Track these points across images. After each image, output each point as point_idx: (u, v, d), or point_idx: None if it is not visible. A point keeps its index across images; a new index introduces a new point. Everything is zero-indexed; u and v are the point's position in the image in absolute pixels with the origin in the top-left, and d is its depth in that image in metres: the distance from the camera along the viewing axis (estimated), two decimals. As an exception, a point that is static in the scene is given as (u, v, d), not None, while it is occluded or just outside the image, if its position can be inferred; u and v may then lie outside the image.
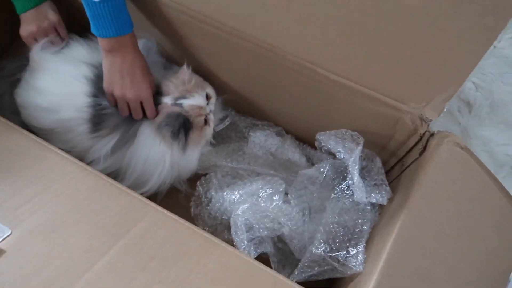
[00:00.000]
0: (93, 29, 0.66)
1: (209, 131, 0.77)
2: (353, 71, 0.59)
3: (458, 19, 0.47)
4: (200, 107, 0.73)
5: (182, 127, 0.72)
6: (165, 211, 0.53)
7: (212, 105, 0.76)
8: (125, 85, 0.70)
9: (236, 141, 0.86)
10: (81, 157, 0.72)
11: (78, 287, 0.42)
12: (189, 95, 0.71)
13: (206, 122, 0.75)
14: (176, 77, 0.72)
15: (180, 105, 0.72)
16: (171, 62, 0.85)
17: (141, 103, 0.72)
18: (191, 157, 0.78)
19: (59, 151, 0.55)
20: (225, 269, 0.48)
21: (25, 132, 0.57)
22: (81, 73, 0.74)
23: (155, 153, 0.74)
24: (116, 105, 0.73)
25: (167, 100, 0.72)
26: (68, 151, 0.70)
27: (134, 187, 0.73)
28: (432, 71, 0.53)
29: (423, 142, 0.60)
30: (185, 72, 0.72)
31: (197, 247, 0.49)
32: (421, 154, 0.60)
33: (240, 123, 0.87)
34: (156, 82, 0.74)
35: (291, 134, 0.86)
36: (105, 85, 0.71)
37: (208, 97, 0.74)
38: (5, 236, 0.43)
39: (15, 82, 0.80)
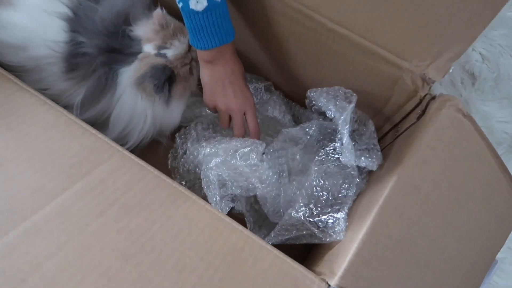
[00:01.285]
0: (192, 41, 0.59)
1: (193, 80, 0.72)
2: (352, 19, 0.53)
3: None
4: (184, 56, 0.67)
5: (167, 81, 0.66)
6: (132, 156, 0.48)
7: (194, 51, 0.69)
8: (229, 95, 0.64)
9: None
10: (56, 101, 0.67)
11: (20, 230, 0.37)
12: (171, 44, 0.65)
13: (190, 71, 0.70)
14: (153, 21, 0.65)
15: (164, 55, 0.66)
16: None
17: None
18: (175, 111, 0.72)
19: (18, 81, 0.49)
20: (192, 224, 0.44)
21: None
22: (56, 8, 0.66)
23: (137, 108, 0.68)
24: (228, 123, 0.69)
25: (149, 48, 0.65)
26: (43, 92, 0.64)
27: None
28: (442, 23, 0.47)
29: (423, 105, 0.55)
30: (161, 15, 0.65)
31: (164, 197, 0.45)
32: (419, 118, 0.55)
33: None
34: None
35: (281, 91, 0.80)
36: (206, 98, 0.66)
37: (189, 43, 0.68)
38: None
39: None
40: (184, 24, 0.61)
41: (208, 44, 0.59)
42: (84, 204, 0.41)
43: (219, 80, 0.64)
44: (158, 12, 0.65)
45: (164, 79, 0.65)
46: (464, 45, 0.48)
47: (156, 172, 0.47)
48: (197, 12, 0.55)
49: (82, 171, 0.44)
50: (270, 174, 0.60)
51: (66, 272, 0.35)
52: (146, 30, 0.66)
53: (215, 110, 0.68)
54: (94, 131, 0.49)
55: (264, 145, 0.65)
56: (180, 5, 0.56)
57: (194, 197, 0.47)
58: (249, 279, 0.41)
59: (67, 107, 0.67)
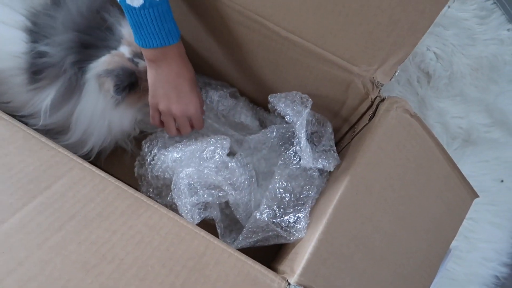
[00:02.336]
0: (135, 39, 0.59)
1: None
2: (305, 28, 0.55)
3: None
4: None
5: (128, 86, 0.66)
6: (93, 168, 0.48)
7: None
8: (171, 99, 0.64)
9: (187, 100, 0.81)
10: (18, 111, 0.66)
11: (-20, 247, 0.38)
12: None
13: None
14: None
15: (137, 64, 0.66)
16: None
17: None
18: (122, 117, 0.72)
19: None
20: (153, 231, 0.45)
21: None
22: (14, 20, 0.66)
23: (98, 105, 0.68)
24: (159, 121, 0.68)
25: (125, 50, 0.65)
26: (5, 105, 0.63)
27: (75, 148, 0.68)
28: (385, 31, 0.50)
29: (374, 107, 0.58)
30: None
31: (125, 207, 0.46)
32: (370, 119, 0.57)
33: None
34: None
35: (246, 96, 0.82)
36: (150, 99, 0.66)
37: None
38: None
39: None
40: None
41: (149, 43, 0.58)
42: (44, 218, 0.42)
43: (162, 82, 0.64)
44: None
45: (127, 84, 0.66)
46: (407, 50, 0.51)
47: (117, 182, 0.48)
48: (134, 8, 0.55)
49: (41, 186, 0.44)
50: (243, 180, 0.62)
51: (28, 287, 0.36)
52: (129, 33, 0.66)
53: (157, 113, 0.67)
54: (53, 144, 0.49)
55: (228, 139, 0.66)
56: None
57: (156, 205, 0.48)
58: (210, 283, 0.43)
59: (32, 114, 0.68)
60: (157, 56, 0.61)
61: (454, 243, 0.67)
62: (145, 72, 0.66)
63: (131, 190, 0.48)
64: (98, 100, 0.68)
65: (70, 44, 0.63)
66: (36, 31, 0.66)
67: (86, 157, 0.72)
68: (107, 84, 0.66)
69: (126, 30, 0.67)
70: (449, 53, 0.95)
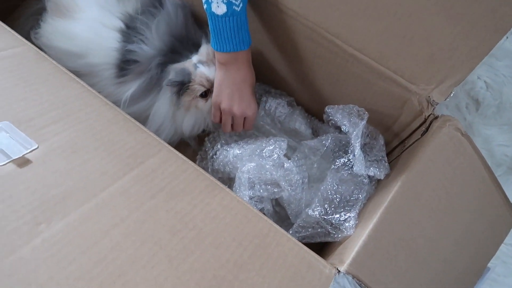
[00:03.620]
0: (212, 43, 0.68)
1: (202, 104, 0.78)
2: (370, 47, 0.61)
3: (475, 6, 0.49)
4: (208, 79, 0.74)
5: (180, 84, 0.74)
6: (177, 152, 0.56)
7: None
8: (234, 100, 0.72)
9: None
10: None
11: (92, 203, 0.46)
12: (207, 65, 0.74)
13: (205, 94, 0.77)
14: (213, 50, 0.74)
15: (196, 67, 0.75)
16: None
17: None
18: (180, 118, 0.80)
19: (84, 83, 0.58)
20: (226, 210, 0.52)
21: (55, 62, 0.60)
22: (111, 22, 0.76)
23: (170, 109, 0.77)
24: (220, 119, 0.76)
25: (194, 58, 0.74)
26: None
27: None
28: (445, 54, 0.56)
29: (427, 124, 0.63)
30: None
31: (203, 187, 0.53)
32: (423, 135, 0.63)
33: (255, 89, 0.90)
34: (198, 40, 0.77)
35: (302, 106, 0.89)
36: (214, 98, 0.74)
37: None
38: (32, 148, 0.47)
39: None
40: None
41: (224, 47, 0.67)
42: (140, 187, 0.50)
43: (229, 84, 0.72)
44: None
45: (179, 81, 0.73)
46: (463, 73, 0.56)
47: (196, 166, 0.56)
48: (217, 16, 0.63)
49: (137, 161, 0.52)
50: (298, 178, 0.68)
51: (128, 239, 0.44)
52: (206, 51, 0.75)
53: (218, 111, 0.75)
54: (145, 129, 0.57)
55: (286, 141, 0.73)
56: (204, 6, 0.65)
57: (227, 190, 0.55)
58: (272, 259, 0.49)
59: (114, 103, 0.77)
60: (228, 60, 0.69)
61: (491, 266, 0.70)
62: (200, 75, 0.74)
63: (207, 174, 0.56)
64: (171, 101, 0.76)
65: (163, 47, 0.73)
66: (127, 32, 0.76)
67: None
68: (167, 82, 0.74)
69: (204, 46, 0.76)
70: (499, 83, 0.99)
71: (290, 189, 0.69)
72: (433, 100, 0.61)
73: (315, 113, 0.89)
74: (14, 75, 0.56)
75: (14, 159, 0.45)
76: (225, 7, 0.62)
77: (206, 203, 0.51)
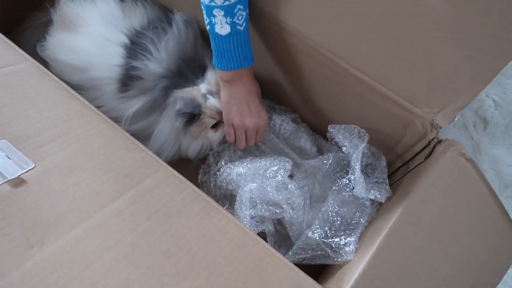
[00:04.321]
0: (215, 62, 0.68)
1: (212, 134, 0.79)
2: (373, 68, 0.60)
3: (481, 31, 0.48)
4: (219, 112, 0.75)
5: (190, 115, 0.74)
6: (174, 171, 0.56)
7: None
8: (245, 114, 0.72)
9: (252, 121, 0.88)
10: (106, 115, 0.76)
11: (86, 225, 0.45)
12: (217, 95, 0.74)
13: (216, 126, 0.78)
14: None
15: (205, 99, 0.75)
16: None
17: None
18: (190, 144, 0.81)
19: (84, 100, 0.58)
20: (222, 233, 0.51)
21: (56, 78, 0.60)
22: (116, 37, 0.77)
23: (173, 130, 0.77)
24: (234, 138, 0.76)
25: (202, 87, 0.74)
26: (97, 109, 0.73)
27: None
28: (449, 79, 0.55)
29: (430, 147, 0.62)
30: None
31: (200, 208, 0.52)
32: (426, 158, 0.61)
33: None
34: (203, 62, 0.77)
35: (306, 123, 0.88)
36: (224, 117, 0.73)
37: None
38: (28, 168, 0.47)
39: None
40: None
41: (228, 66, 0.67)
42: (135, 209, 0.49)
43: (236, 99, 0.71)
44: None
45: (189, 112, 0.74)
46: (468, 98, 0.55)
47: (193, 187, 0.55)
48: (221, 36, 0.63)
49: (133, 181, 0.52)
50: (299, 201, 0.68)
51: (120, 264, 0.43)
52: (213, 77, 0.75)
53: (232, 129, 0.74)
54: (144, 147, 0.57)
55: (291, 162, 0.72)
56: (208, 27, 0.64)
57: (224, 211, 0.54)
58: (267, 285, 0.48)
59: (116, 119, 0.77)
60: (232, 77, 0.69)
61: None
62: (211, 108, 0.74)
63: (204, 195, 0.55)
64: (174, 124, 0.76)
65: (170, 68, 0.73)
66: (132, 48, 0.76)
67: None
68: (175, 111, 0.74)
69: (210, 73, 0.76)
70: (509, 102, 0.97)
71: (292, 211, 0.68)
72: (436, 124, 0.60)
73: (319, 131, 0.88)
74: (15, 91, 0.56)
75: (9, 180, 0.45)
76: (229, 27, 0.62)
77: (202, 225, 0.51)
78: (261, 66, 0.81)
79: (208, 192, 0.82)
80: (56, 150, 0.51)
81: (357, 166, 0.64)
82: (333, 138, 0.75)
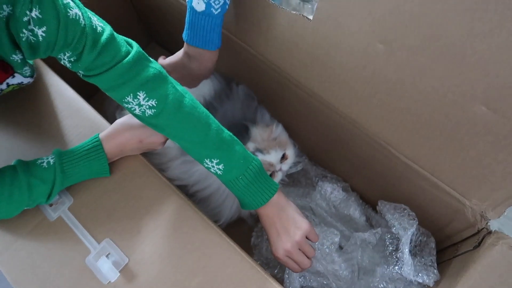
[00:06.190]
0: (184, 34, 0.71)
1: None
2: (424, 159, 0.64)
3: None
4: (271, 164, 0.80)
5: None
6: (236, 247, 0.61)
7: (286, 165, 0.82)
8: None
9: (305, 187, 0.94)
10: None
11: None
12: (266, 151, 0.80)
13: (271, 175, 0.82)
14: (265, 130, 0.82)
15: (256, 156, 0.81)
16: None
17: None
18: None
19: (178, 192, 0.65)
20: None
21: (155, 172, 0.67)
22: None
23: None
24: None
25: (250, 146, 0.82)
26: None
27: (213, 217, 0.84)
28: (499, 178, 0.57)
29: (479, 237, 0.64)
30: (273, 130, 0.82)
31: None
32: (475, 248, 0.63)
33: (311, 171, 0.95)
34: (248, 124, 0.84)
35: (356, 192, 0.92)
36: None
37: (284, 157, 0.82)
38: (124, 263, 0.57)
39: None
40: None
41: (193, 41, 0.69)
42: None
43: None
44: (273, 128, 0.82)
45: None
46: (518, 198, 0.57)
47: (251, 262, 0.60)
48: (195, 11, 0.67)
49: (200, 264, 0.59)
50: (346, 273, 0.71)
51: None
52: (258, 134, 0.82)
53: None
54: (210, 222, 0.64)
55: (339, 235, 0.76)
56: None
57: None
58: None
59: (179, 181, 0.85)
60: (194, 53, 0.72)
61: None
62: (263, 164, 0.75)
63: (263, 272, 0.60)
64: None
65: None
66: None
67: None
68: None
69: (254, 131, 0.83)
70: None
71: (338, 283, 0.72)
72: (486, 216, 0.62)
73: (368, 201, 0.91)
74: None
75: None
76: (204, 6, 0.66)
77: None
78: (319, 139, 0.87)
79: (260, 255, 0.87)
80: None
81: (406, 249, 0.67)
82: (382, 214, 0.78)
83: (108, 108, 1.01)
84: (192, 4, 0.67)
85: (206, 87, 0.92)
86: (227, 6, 0.68)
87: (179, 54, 0.77)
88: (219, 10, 0.67)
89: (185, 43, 0.73)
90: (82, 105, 0.72)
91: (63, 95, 0.73)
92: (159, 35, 1.24)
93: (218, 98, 0.91)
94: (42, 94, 0.74)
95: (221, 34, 0.71)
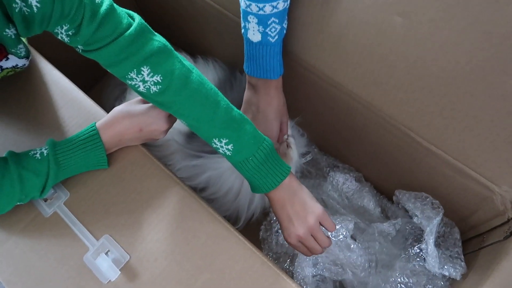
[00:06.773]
0: (245, 66, 0.70)
1: (292, 153, 0.77)
2: (448, 143, 0.59)
3: None
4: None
5: None
6: (246, 241, 0.57)
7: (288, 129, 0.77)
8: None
9: (316, 178, 0.89)
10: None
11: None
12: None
13: (288, 145, 0.76)
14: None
15: None
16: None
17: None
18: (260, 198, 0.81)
19: (181, 184, 0.61)
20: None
21: (156, 163, 0.62)
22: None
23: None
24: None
25: None
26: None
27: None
28: (533, 163, 0.52)
29: (510, 226, 0.59)
30: None
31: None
32: (505, 238, 0.58)
33: (322, 161, 0.90)
34: None
35: (370, 182, 0.87)
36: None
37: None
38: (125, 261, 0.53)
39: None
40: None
41: (255, 72, 0.67)
42: None
43: (253, 104, 0.69)
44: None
45: None
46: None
47: (263, 258, 0.56)
48: (252, 42, 0.64)
49: (207, 261, 0.54)
50: (362, 261, 0.67)
51: None
52: None
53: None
54: (217, 216, 0.59)
55: (353, 222, 0.71)
56: (242, 31, 0.65)
57: (294, 285, 0.54)
58: None
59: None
60: (258, 83, 0.69)
61: None
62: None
63: (274, 266, 0.56)
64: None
65: None
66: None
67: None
68: None
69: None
70: None
71: (353, 272, 0.67)
72: (517, 203, 0.57)
73: (383, 191, 0.86)
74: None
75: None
76: (260, 36, 0.63)
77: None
78: (329, 127, 0.82)
79: (270, 249, 0.83)
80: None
81: (430, 240, 0.62)
82: (400, 203, 0.73)
83: (107, 101, 0.97)
84: (248, 36, 0.64)
85: (210, 76, 0.88)
86: (284, 31, 0.64)
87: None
88: (276, 37, 0.63)
89: (247, 76, 0.70)
90: (78, 95, 0.68)
91: (57, 84, 0.69)
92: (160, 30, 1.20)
93: (222, 86, 0.86)
94: (35, 83, 0.70)
95: (282, 59, 0.67)
